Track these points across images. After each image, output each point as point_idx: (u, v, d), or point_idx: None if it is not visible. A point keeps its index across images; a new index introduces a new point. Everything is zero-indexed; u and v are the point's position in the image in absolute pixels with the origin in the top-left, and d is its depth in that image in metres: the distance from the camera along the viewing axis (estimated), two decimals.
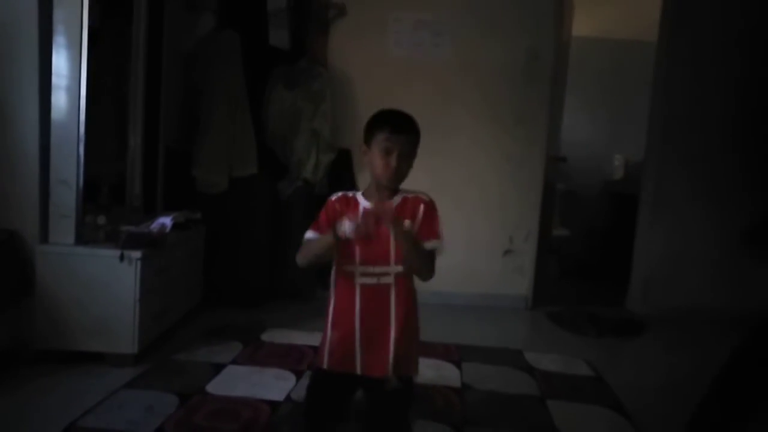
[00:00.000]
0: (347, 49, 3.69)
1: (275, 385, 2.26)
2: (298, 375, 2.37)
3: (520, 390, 2.39)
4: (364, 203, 1.58)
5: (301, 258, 1.54)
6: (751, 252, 3.31)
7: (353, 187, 3.73)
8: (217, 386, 2.22)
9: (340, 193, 1.63)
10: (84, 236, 2.39)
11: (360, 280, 1.54)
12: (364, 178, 3.74)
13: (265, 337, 2.84)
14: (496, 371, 2.57)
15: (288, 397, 2.15)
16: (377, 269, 1.55)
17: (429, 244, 1.57)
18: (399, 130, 1.58)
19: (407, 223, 1.55)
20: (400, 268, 1.56)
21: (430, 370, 2.47)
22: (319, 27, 3.64)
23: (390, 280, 1.55)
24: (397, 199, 1.59)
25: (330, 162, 3.54)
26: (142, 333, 2.38)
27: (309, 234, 1.56)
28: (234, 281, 3.36)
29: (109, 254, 2.34)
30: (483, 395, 2.29)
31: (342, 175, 3.66)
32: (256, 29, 3.41)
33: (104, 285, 2.34)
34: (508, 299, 3.80)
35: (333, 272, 1.59)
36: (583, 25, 4.49)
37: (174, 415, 1.95)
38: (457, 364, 2.62)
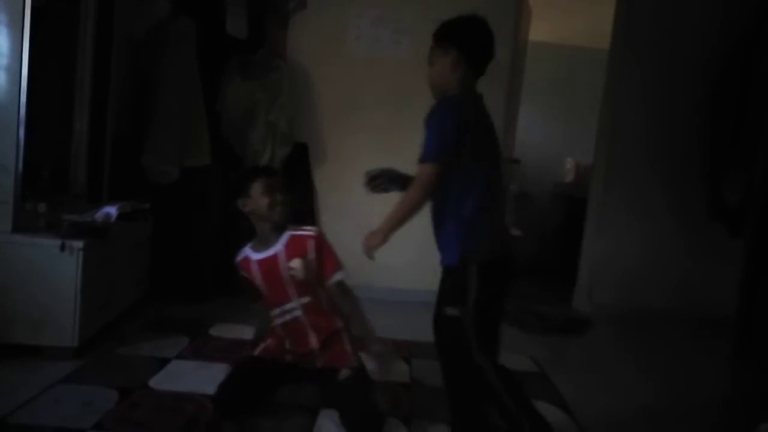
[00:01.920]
0: (307, 42, 3.66)
1: (221, 380, 2.21)
2: None
3: None
4: (254, 256, 1.92)
5: None
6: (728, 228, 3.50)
7: (309, 182, 3.71)
8: (160, 381, 2.16)
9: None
10: (23, 224, 2.28)
11: (277, 321, 1.91)
12: (321, 174, 3.73)
13: (213, 331, 2.79)
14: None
15: None
16: (285, 308, 1.89)
17: (336, 277, 1.91)
18: (271, 172, 1.97)
19: (297, 262, 1.82)
20: (305, 299, 1.88)
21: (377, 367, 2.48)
22: (278, 18, 3.59)
23: (298, 312, 1.88)
24: (285, 237, 1.88)
25: (286, 155, 3.51)
26: (82, 325, 2.29)
27: None
28: (183, 274, 3.28)
29: (49, 243, 2.24)
30: (431, 390, 2.31)
31: (298, 169, 3.63)
32: (213, 17, 3.33)
33: (43, 275, 2.24)
34: None
35: None
36: (539, 31, 4.59)
37: (113, 411, 1.88)
38: (407, 360, 2.63)
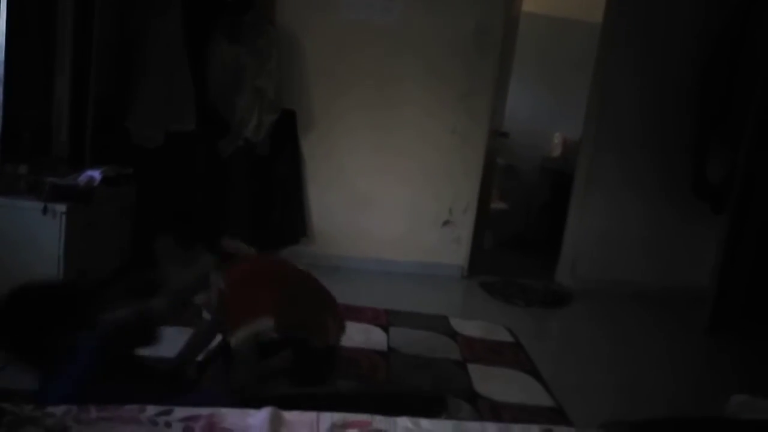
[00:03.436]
0: (296, 6, 3.57)
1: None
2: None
3: (444, 354, 2.49)
4: None
5: None
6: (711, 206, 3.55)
7: (296, 150, 3.67)
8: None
9: None
10: (3, 186, 2.24)
11: None
12: (308, 141, 3.69)
13: (197, 298, 2.77)
14: (422, 336, 2.66)
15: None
16: None
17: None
18: None
19: None
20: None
21: (359, 335, 2.53)
22: None
23: None
24: None
25: (273, 122, 3.46)
26: None
27: None
28: (164, 240, 3.24)
29: (31, 206, 2.21)
30: (408, 359, 2.37)
31: (285, 136, 3.58)
32: None
33: (25, 239, 2.22)
34: (446, 268, 3.89)
35: None
36: (530, 1, 4.51)
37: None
38: (385, 329, 2.68)
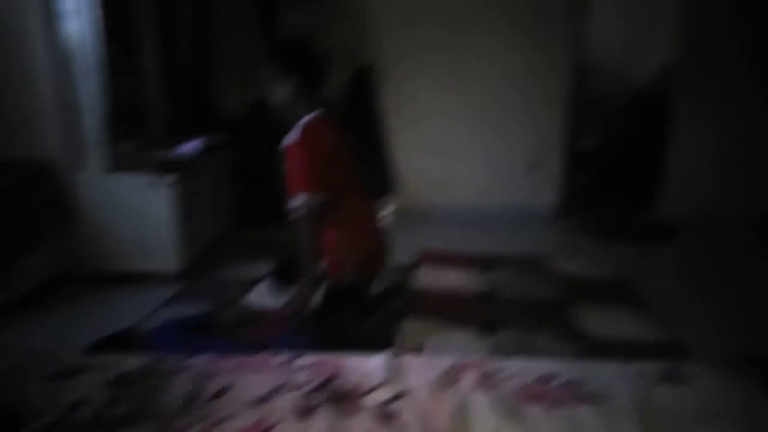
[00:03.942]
0: None
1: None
2: None
3: (545, 294, 2.46)
4: None
5: None
6: None
7: (374, 104, 3.66)
8: (251, 300, 2.32)
9: None
10: (117, 164, 2.43)
11: None
12: (386, 95, 3.67)
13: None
14: (521, 278, 2.63)
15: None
16: None
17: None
18: None
19: None
20: None
21: (456, 280, 2.55)
22: None
23: None
24: None
25: (349, 79, 3.46)
26: (182, 253, 2.47)
27: None
28: (265, 200, 3.40)
29: (141, 180, 2.38)
30: (507, 301, 2.36)
31: (362, 91, 3.58)
32: None
33: (141, 209, 2.41)
34: (537, 210, 3.80)
35: None
36: None
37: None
38: (481, 273, 2.68)
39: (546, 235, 3.57)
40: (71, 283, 2.42)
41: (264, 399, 1.18)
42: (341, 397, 1.20)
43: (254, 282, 2.45)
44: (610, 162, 4.88)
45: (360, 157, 3.59)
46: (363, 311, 2.01)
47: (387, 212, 3.65)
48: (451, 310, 2.23)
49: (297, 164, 1.70)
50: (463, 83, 3.65)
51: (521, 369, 1.36)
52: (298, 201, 1.67)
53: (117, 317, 2.09)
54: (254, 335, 1.95)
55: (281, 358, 1.36)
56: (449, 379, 1.30)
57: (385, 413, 1.16)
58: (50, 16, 2.23)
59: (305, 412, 1.15)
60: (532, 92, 3.67)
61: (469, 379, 1.30)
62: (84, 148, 2.37)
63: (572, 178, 4.06)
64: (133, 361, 1.32)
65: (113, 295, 2.35)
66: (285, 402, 1.17)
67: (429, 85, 3.68)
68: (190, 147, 2.71)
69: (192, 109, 3.21)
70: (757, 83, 3.57)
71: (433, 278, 2.59)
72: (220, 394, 1.21)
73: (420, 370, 1.33)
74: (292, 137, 1.73)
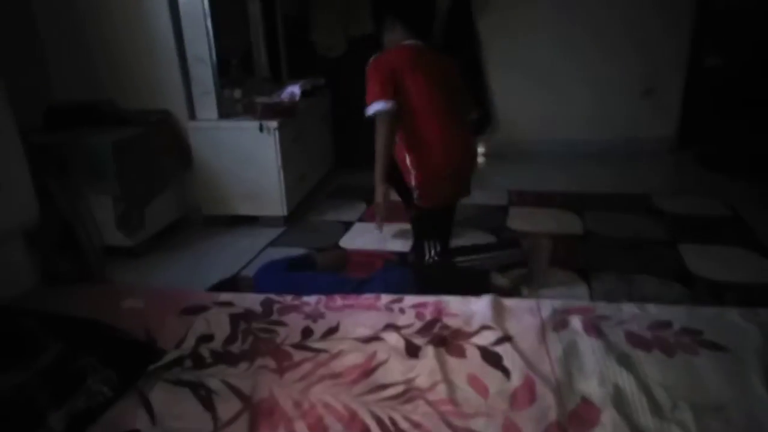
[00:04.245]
0: None
1: (400, 237, 2.38)
2: None
3: (650, 234, 2.31)
4: None
5: None
6: None
7: (473, 31, 3.48)
8: (348, 241, 2.40)
9: None
10: (225, 110, 2.54)
11: None
12: (484, 21, 3.48)
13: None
14: (622, 218, 2.49)
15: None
16: None
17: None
18: None
19: None
20: None
21: (551, 220, 2.47)
22: None
23: None
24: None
25: (448, 9, 3.31)
26: (288, 197, 2.59)
27: None
28: (361, 143, 3.44)
29: (249, 126, 2.48)
30: (607, 242, 2.24)
31: (461, 18, 3.41)
32: None
33: (249, 155, 2.52)
34: (649, 142, 3.52)
35: None
36: None
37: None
38: (579, 213, 2.56)
39: (660, 170, 3.32)
40: (187, 226, 2.63)
41: (372, 338, 1.24)
42: (447, 338, 1.23)
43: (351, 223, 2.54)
44: (740, 83, 4.35)
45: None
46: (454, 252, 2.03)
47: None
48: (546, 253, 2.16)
49: (371, 78, 1.88)
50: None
51: (632, 314, 1.31)
52: (371, 109, 1.86)
53: (231, 259, 2.26)
54: (355, 273, 2.02)
55: (386, 299, 1.41)
56: (556, 322, 1.28)
57: (492, 355, 1.17)
58: None
59: (412, 351, 1.19)
60: (648, 3, 3.29)
61: (576, 323, 1.27)
62: (197, 96, 2.50)
63: (693, 103, 3.68)
64: (250, 299, 1.43)
65: (226, 237, 2.53)
66: (392, 340, 1.22)
67: (529, 7, 3.42)
68: (291, 91, 2.77)
69: (292, 52, 3.25)
70: None
71: (524, 219, 2.52)
72: (331, 331, 1.28)
73: (524, 314, 1.32)
74: (373, 58, 1.91)
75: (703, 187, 2.89)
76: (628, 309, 1.34)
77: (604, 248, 2.20)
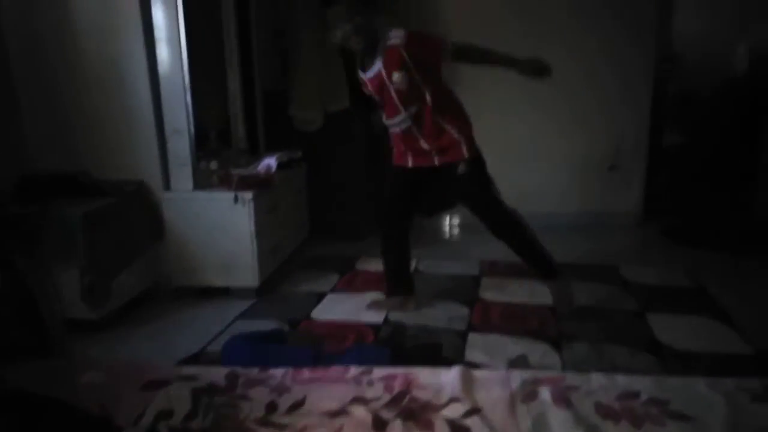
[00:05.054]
0: None
1: (373, 309, 2.35)
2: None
3: (618, 304, 2.35)
4: (365, 75, 2.14)
5: None
6: None
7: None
8: (320, 313, 2.37)
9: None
10: (200, 182, 2.57)
11: (392, 130, 2.18)
12: None
13: (359, 265, 2.95)
14: (591, 287, 2.52)
15: (387, 319, 2.25)
16: (395, 120, 2.11)
17: (444, 53, 2.02)
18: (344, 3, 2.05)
19: (397, 75, 2.00)
20: (413, 109, 2.07)
21: (523, 291, 2.49)
22: None
23: (408, 122, 2.09)
24: (378, 59, 2.04)
25: None
26: (260, 268, 2.57)
27: None
28: (336, 215, 3.49)
29: (224, 197, 2.50)
30: (578, 311, 2.26)
31: None
32: None
33: (223, 226, 2.52)
34: (616, 216, 3.63)
35: None
36: None
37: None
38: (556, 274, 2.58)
39: (627, 243, 3.41)
40: (156, 298, 2.58)
41: (339, 412, 1.21)
42: (415, 411, 1.21)
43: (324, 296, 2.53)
44: (698, 161, 4.57)
45: None
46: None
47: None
48: (519, 323, 2.18)
49: (394, 57, 1.98)
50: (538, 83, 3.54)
51: (601, 385, 1.31)
52: (395, 77, 2.01)
53: (199, 332, 2.20)
54: (328, 348, 1.99)
55: (355, 371, 1.39)
56: (525, 394, 1.27)
57: (461, 428, 1.15)
58: (150, 44, 2.40)
59: (380, 425, 1.16)
60: (613, 87, 3.50)
61: (545, 394, 1.26)
62: (173, 168, 2.53)
63: (656, 179, 3.85)
64: (215, 373, 1.40)
65: (195, 309, 2.48)
66: (360, 415, 1.19)
67: (502, 86, 3.58)
68: (268, 163, 2.82)
69: (270, 126, 3.35)
70: None
71: (499, 290, 2.54)
72: (296, 405, 1.25)
73: (494, 385, 1.31)
74: (390, 41, 2.00)
75: (668, 259, 2.96)
76: (597, 379, 1.34)
77: (575, 318, 2.22)
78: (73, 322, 2.16)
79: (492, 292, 2.52)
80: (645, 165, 3.61)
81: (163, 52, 2.42)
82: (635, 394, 1.25)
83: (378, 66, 2.05)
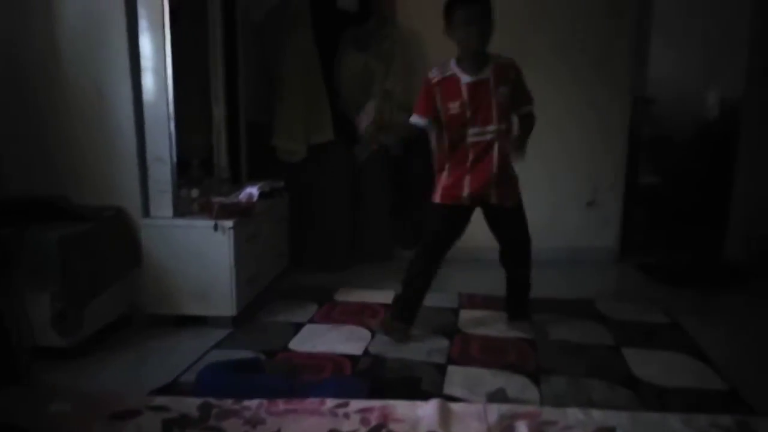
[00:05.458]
0: (416, 4, 3.60)
1: (351, 340, 2.35)
2: (373, 331, 2.45)
3: (594, 339, 2.37)
4: (464, 78, 2.13)
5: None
6: None
7: (427, 147, 3.70)
8: (298, 343, 2.34)
9: (435, 72, 2.17)
10: (180, 209, 2.55)
11: (471, 139, 2.16)
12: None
13: (338, 296, 2.94)
14: (568, 322, 2.55)
15: (366, 351, 2.23)
16: (487, 128, 2.14)
17: (528, 108, 2.22)
18: (471, 2, 2.07)
19: (505, 89, 2.14)
20: (503, 126, 2.15)
21: (502, 324, 2.50)
22: None
23: (494, 135, 2.15)
24: (489, 68, 2.12)
25: (404, 122, 3.52)
26: (238, 297, 2.54)
27: (414, 119, 2.24)
28: (316, 245, 3.48)
29: (204, 225, 2.49)
30: (556, 345, 2.28)
31: (416, 134, 3.63)
32: None
33: (202, 253, 2.50)
34: (594, 252, 3.69)
35: (439, 137, 2.28)
36: None
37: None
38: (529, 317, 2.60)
39: (604, 279, 3.45)
40: (129, 325, 2.52)
41: None
42: None
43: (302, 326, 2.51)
44: (672, 201, 4.70)
45: (413, 199, 3.65)
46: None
47: None
48: (498, 357, 2.18)
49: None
50: None
51: (577, 420, 1.31)
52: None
53: (173, 361, 2.15)
54: (305, 379, 1.96)
55: (331, 403, 1.37)
56: (502, 428, 1.27)
57: None
58: (134, 72, 2.41)
59: None
60: (592, 128, 3.61)
61: (522, 428, 1.26)
62: (153, 194, 2.51)
63: (632, 217, 3.93)
64: (188, 403, 1.36)
65: (170, 338, 2.43)
66: None
67: None
68: (249, 192, 2.82)
69: (253, 155, 3.36)
70: None
71: (477, 323, 2.55)
72: None
73: (471, 419, 1.30)
74: (502, 57, 2.19)
75: (643, 295, 3.00)
76: (574, 414, 1.34)
77: (553, 352, 2.23)
78: (43, 349, 2.10)
79: (471, 325, 2.52)
80: (622, 203, 3.69)
81: (148, 80, 2.43)
82: (611, 430, 1.25)
83: (486, 74, 2.13)
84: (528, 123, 2.24)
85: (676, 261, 3.50)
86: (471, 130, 2.15)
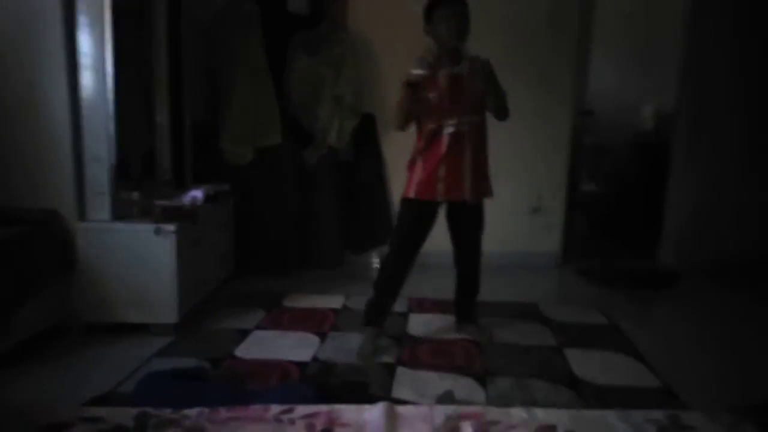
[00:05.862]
0: (368, 10, 3.62)
1: (300, 347, 2.32)
2: (322, 337, 2.43)
3: (538, 341, 2.44)
4: (442, 72, 2.15)
5: (397, 123, 2.23)
6: None
7: (377, 152, 3.71)
8: (245, 350, 2.29)
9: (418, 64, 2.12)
10: (119, 212, 2.45)
11: (446, 131, 2.18)
12: (388, 142, 3.73)
13: (287, 302, 2.90)
14: (514, 324, 2.62)
15: (315, 358, 2.21)
16: (462, 119, 2.17)
17: (501, 101, 2.25)
18: (452, 1, 2.14)
19: (477, 85, 2.18)
20: (475, 118, 2.21)
21: (450, 327, 2.54)
22: None
23: (467, 127, 2.19)
24: (465, 63, 2.18)
25: (354, 127, 3.53)
26: (180, 303, 2.46)
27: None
28: (264, 250, 3.42)
29: (144, 228, 2.40)
30: (502, 347, 2.34)
31: (365, 140, 3.64)
32: None
33: (142, 258, 2.41)
34: (538, 256, 3.79)
35: (420, 128, 2.28)
36: None
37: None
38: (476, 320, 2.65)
39: (547, 282, 3.55)
40: (65, 333, 2.40)
41: None
42: None
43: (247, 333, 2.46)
44: (612, 208, 4.90)
45: (361, 205, 3.65)
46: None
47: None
48: (444, 359, 2.21)
49: (485, 67, 2.21)
50: None
51: (521, 419, 1.33)
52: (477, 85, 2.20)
53: (110, 371, 2.06)
54: (249, 385, 1.92)
55: (276, 409, 1.34)
56: (448, 429, 1.27)
57: None
58: (70, 69, 2.30)
59: None
60: (536, 138, 3.72)
61: (468, 429, 1.27)
62: (90, 197, 2.40)
63: (574, 223, 4.07)
64: (123, 414, 1.30)
65: (107, 346, 2.32)
66: None
67: None
68: (193, 195, 2.74)
69: (198, 158, 3.27)
70: (752, 132, 3.62)
71: (424, 326, 2.57)
72: None
73: (417, 422, 1.30)
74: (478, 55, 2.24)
75: (583, 298, 3.11)
76: (517, 413, 1.36)
77: (498, 353, 2.27)
78: None
79: (420, 329, 2.54)
80: (564, 209, 3.81)
81: (86, 78, 2.33)
82: (552, 428, 1.28)
83: (463, 69, 2.18)
84: (502, 94, 2.27)
85: (613, 265, 3.64)
86: (446, 122, 2.19)
